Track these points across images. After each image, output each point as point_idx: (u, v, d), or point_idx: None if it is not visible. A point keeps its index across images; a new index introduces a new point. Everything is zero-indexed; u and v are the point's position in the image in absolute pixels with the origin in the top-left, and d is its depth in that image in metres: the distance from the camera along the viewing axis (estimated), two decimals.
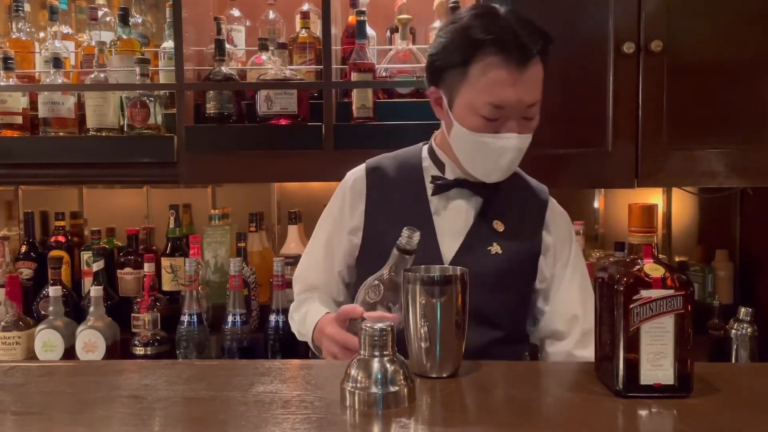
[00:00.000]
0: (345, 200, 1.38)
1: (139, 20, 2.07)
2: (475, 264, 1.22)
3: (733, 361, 1.78)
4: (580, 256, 1.41)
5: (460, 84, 1.21)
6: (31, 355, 1.82)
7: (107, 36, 2.02)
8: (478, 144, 1.22)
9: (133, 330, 1.88)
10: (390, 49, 1.99)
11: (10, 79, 1.90)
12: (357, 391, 0.82)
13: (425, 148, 1.38)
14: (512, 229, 1.31)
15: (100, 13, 2.07)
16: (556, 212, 1.37)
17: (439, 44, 1.24)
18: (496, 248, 1.29)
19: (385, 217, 1.32)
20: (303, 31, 1.99)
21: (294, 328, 1.47)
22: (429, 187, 1.32)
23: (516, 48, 1.16)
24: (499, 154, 1.22)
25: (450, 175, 1.32)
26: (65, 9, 2.09)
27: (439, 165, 1.33)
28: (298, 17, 2.01)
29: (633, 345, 0.85)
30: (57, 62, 1.90)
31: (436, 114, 1.32)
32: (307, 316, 1.37)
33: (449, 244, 1.29)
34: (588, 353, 1.25)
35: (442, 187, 1.31)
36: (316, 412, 0.82)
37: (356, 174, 1.39)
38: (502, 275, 1.28)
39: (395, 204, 1.33)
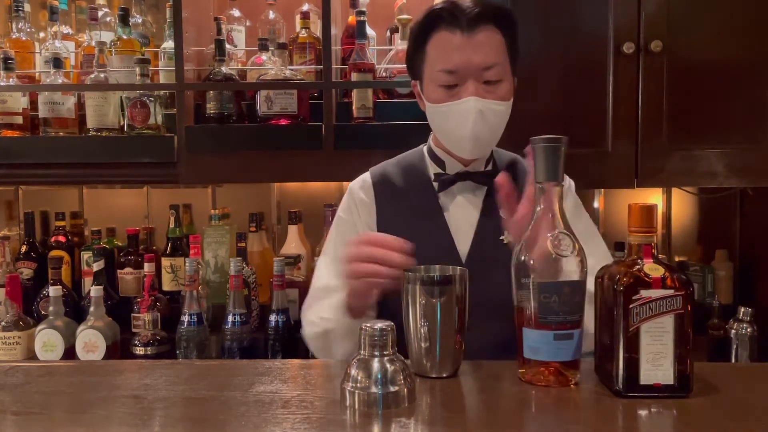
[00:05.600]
0: (356, 207, 1.37)
1: (139, 20, 2.07)
2: (492, 255, 1.22)
3: (733, 361, 1.78)
4: (590, 223, 1.41)
5: (423, 65, 1.29)
6: (31, 355, 1.82)
7: (107, 36, 2.02)
8: (442, 115, 1.27)
9: (133, 330, 1.88)
10: (390, 49, 1.99)
11: (10, 79, 1.90)
12: (357, 391, 0.82)
13: (425, 149, 1.41)
14: None
15: (100, 14, 2.07)
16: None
17: (408, 39, 1.34)
18: (508, 237, 1.30)
19: (398, 221, 1.33)
20: (303, 31, 1.99)
21: (312, 328, 1.30)
22: (435, 186, 1.35)
23: (463, 16, 1.23)
24: (462, 119, 1.24)
25: (451, 170, 1.34)
26: (65, 9, 2.09)
27: (439, 163, 1.36)
28: (298, 17, 2.02)
29: (633, 345, 0.85)
30: (57, 62, 1.90)
31: (420, 107, 1.36)
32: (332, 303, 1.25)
33: (462, 238, 1.31)
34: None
35: (446, 182, 1.33)
36: (316, 412, 0.82)
37: (362, 183, 1.39)
38: None
39: (406, 207, 1.34)
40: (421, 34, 1.27)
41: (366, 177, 1.40)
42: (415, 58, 1.31)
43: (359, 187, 1.38)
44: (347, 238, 1.34)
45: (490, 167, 1.35)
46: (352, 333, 1.14)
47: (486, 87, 1.24)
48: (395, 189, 1.36)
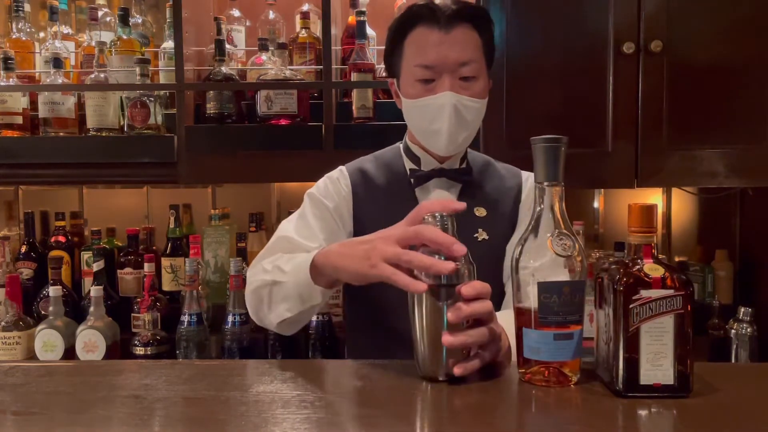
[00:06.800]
0: (334, 193, 1.35)
1: (139, 20, 2.08)
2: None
3: (733, 361, 1.78)
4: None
5: (400, 62, 1.30)
6: (31, 355, 1.82)
7: (107, 36, 2.02)
8: (419, 110, 1.28)
9: (133, 330, 1.88)
10: None
11: (10, 79, 1.90)
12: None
13: (401, 145, 1.41)
14: (493, 215, 1.34)
15: (100, 14, 2.07)
16: (529, 187, 1.38)
17: (386, 37, 1.35)
18: (482, 234, 1.31)
19: (374, 215, 1.32)
20: (303, 31, 1.99)
21: (261, 275, 1.20)
22: (411, 182, 1.35)
23: (440, 14, 1.25)
24: (438, 113, 1.25)
25: (426, 167, 1.35)
26: (65, 9, 2.10)
27: (415, 159, 1.36)
28: (298, 17, 2.02)
29: (633, 345, 0.85)
30: (57, 62, 1.90)
31: (397, 105, 1.36)
32: (295, 258, 1.16)
33: None
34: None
35: (421, 178, 1.34)
36: (316, 412, 0.82)
37: (339, 174, 1.38)
38: (494, 262, 1.30)
39: (382, 202, 1.34)
40: (399, 32, 1.29)
41: (343, 170, 1.39)
42: (393, 55, 1.32)
43: (337, 178, 1.37)
44: (319, 212, 1.33)
45: (464, 166, 1.36)
46: (299, 298, 1.11)
47: (462, 83, 1.26)
48: (372, 184, 1.36)
